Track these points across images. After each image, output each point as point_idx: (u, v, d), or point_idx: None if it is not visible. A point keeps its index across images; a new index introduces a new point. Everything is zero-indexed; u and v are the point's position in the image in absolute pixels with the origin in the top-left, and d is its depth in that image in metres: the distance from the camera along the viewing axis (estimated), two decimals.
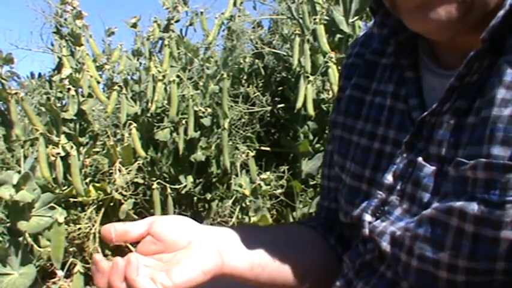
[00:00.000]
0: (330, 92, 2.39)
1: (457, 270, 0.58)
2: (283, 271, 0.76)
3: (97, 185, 2.42)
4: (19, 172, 1.59)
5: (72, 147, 2.14)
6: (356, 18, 2.28)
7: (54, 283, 2.26)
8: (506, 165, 0.54)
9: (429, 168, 0.63)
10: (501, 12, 0.57)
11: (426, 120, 0.64)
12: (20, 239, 1.63)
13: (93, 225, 2.40)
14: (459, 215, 0.57)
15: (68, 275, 2.07)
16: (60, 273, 1.78)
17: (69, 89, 2.24)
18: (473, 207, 0.56)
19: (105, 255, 2.35)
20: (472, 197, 0.56)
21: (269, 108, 2.59)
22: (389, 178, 0.68)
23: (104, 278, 0.62)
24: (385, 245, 0.66)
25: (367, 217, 0.70)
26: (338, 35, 2.37)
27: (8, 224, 1.66)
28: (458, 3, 0.58)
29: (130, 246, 2.35)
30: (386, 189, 0.68)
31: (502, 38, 0.58)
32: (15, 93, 1.93)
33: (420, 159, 0.64)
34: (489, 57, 0.59)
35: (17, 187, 1.53)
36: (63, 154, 2.14)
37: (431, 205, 0.61)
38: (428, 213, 0.60)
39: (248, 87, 2.60)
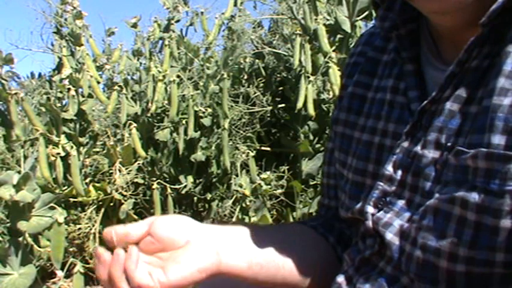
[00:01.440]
0: (331, 92, 2.39)
1: (457, 260, 0.59)
2: (282, 270, 0.76)
3: (97, 185, 2.43)
4: (19, 172, 1.59)
5: (72, 147, 2.15)
6: (360, 17, 2.27)
7: (54, 283, 2.26)
8: (507, 155, 0.55)
9: (429, 157, 0.63)
10: None
11: (426, 109, 0.65)
12: (20, 239, 1.62)
13: (93, 225, 2.40)
14: (461, 203, 0.57)
15: (68, 275, 2.07)
16: (60, 273, 1.78)
17: (69, 89, 2.24)
18: (474, 196, 0.56)
19: None
20: (472, 186, 0.57)
21: (269, 108, 2.59)
22: (389, 169, 0.68)
23: (106, 269, 0.64)
24: (391, 236, 0.66)
25: (370, 209, 0.70)
26: (338, 35, 2.37)
27: (8, 224, 1.66)
28: None
29: None
30: (387, 180, 0.68)
31: (504, 26, 0.58)
32: (16, 94, 1.93)
33: (419, 148, 0.64)
34: (490, 45, 0.60)
35: (17, 187, 1.53)
36: (63, 154, 2.15)
37: (433, 193, 0.61)
38: (432, 203, 0.61)
39: (248, 87, 2.60)
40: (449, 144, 0.61)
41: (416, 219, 0.63)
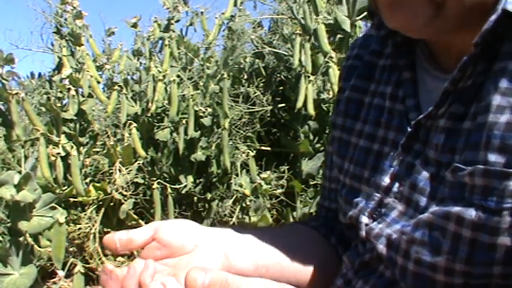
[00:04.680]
0: (331, 92, 2.40)
1: (454, 274, 0.58)
2: (286, 271, 0.76)
3: (97, 185, 2.42)
4: (20, 172, 1.59)
5: (72, 147, 2.15)
6: (360, 17, 2.28)
7: (54, 283, 2.26)
8: (504, 172, 0.54)
9: (426, 172, 0.63)
10: (493, 17, 0.57)
11: (422, 123, 0.65)
12: (21, 239, 1.63)
13: (93, 225, 2.40)
14: (456, 220, 0.57)
15: (68, 275, 2.07)
16: (61, 273, 1.78)
17: (69, 89, 2.24)
18: (471, 213, 0.56)
19: (105, 255, 2.36)
20: (469, 203, 0.57)
21: (269, 108, 2.59)
22: (386, 180, 0.68)
23: (118, 285, 0.63)
24: (382, 247, 0.66)
25: (364, 219, 0.70)
26: (338, 35, 2.38)
27: (9, 224, 1.66)
28: (428, 2, 0.58)
29: None
30: (383, 191, 0.68)
31: (496, 42, 0.58)
32: (16, 94, 1.93)
33: (417, 162, 0.64)
34: (483, 62, 0.59)
35: (18, 187, 1.53)
36: (63, 154, 2.14)
37: (428, 209, 0.61)
38: (425, 218, 0.60)
39: (248, 87, 2.60)
40: (445, 160, 0.61)
41: (407, 232, 0.62)
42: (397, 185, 0.67)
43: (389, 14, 0.63)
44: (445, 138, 0.62)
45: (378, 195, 0.69)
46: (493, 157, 0.55)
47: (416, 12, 0.60)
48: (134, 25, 2.90)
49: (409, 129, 0.66)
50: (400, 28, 0.64)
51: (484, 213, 0.55)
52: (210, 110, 2.50)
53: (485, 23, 0.57)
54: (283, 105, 2.60)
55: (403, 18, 0.61)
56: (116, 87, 2.46)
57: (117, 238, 0.67)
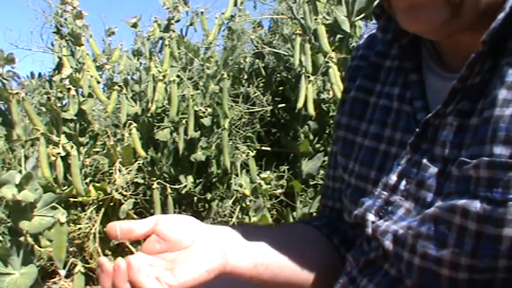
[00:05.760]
0: (331, 92, 2.40)
1: (459, 268, 0.59)
2: (285, 270, 0.76)
3: (97, 185, 2.42)
4: (20, 172, 1.58)
5: (72, 147, 2.15)
6: (359, 18, 2.28)
7: (54, 283, 2.26)
8: (509, 163, 0.55)
9: (433, 169, 0.64)
10: (501, 15, 0.58)
11: (430, 122, 0.65)
12: (22, 239, 1.62)
13: (93, 225, 2.40)
14: (462, 213, 0.58)
15: (68, 275, 2.07)
16: (62, 272, 1.78)
17: (69, 89, 2.24)
18: (476, 205, 0.56)
19: (105, 255, 2.36)
20: (474, 195, 0.57)
21: (269, 108, 2.59)
22: (393, 178, 0.68)
23: (110, 279, 0.63)
24: (388, 243, 0.66)
25: (371, 217, 0.70)
26: (338, 35, 2.38)
27: (9, 224, 1.66)
28: (447, 5, 0.59)
29: (130, 247, 2.35)
30: (390, 189, 0.69)
31: (503, 39, 0.59)
32: (17, 93, 1.93)
33: (425, 160, 0.65)
34: (491, 59, 0.60)
35: (20, 187, 1.53)
36: (63, 154, 2.14)
37: (434, 204, 0.61)
38: (431, 212, 0.61)
39: (248, 87, 2.60)
40: (452, 157, 0.62)
41: (414, 226, 0.63)
42: (404, 182, 0.67)
43: (408, 17, 0.63)
44: (453, 135, 0.62)
45: (385, 193, 0.69)
46: (498, 149, 0.56)
47: (434, 15, 0.61)
48: (134, 25, 2.90)
49: (417, 129, 0.67)
50: (417, 31, 0.65)
51: (489, 204, 0.56)
52: (210, 110, 2.50)
53: (492, 22, 0.58)
54: (283, 105, 2.60)
55: (421, 21, 0.62)
56: (116, 87, 2.46)
57: (119, 226, 0.68)
